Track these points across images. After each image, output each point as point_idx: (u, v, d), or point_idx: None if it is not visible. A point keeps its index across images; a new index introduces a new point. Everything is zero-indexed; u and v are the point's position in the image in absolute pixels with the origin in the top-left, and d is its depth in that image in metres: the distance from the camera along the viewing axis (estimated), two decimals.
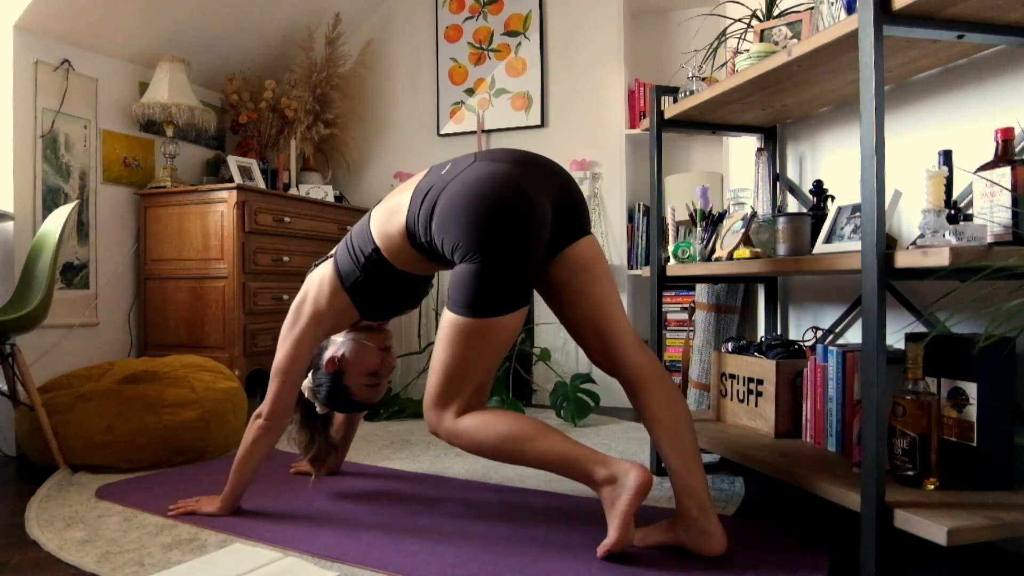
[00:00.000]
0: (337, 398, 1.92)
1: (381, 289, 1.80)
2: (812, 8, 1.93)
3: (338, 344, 1.92)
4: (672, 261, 2.29)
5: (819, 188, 2.01)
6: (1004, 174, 1.38)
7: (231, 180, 3.27)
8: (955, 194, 1.67)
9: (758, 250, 1.94)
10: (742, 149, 2.64)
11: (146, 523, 1.80)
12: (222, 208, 3.08)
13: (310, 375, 1.92)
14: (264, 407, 1.83)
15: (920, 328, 1.83)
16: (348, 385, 1.90)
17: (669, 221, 2.39)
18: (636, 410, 1.70)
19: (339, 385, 1.90)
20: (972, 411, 1.46)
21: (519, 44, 3.79)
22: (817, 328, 2.17)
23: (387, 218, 1.74)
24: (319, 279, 1.83)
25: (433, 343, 3.57)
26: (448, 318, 1.59)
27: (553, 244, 1.67)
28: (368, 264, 1.76)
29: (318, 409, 1.95)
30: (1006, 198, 1.36)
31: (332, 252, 1.86)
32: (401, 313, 1.98)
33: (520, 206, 1.56)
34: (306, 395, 1.93)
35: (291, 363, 1.80)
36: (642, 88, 3.57)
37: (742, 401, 2.11)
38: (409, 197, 1.69)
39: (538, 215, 1.59)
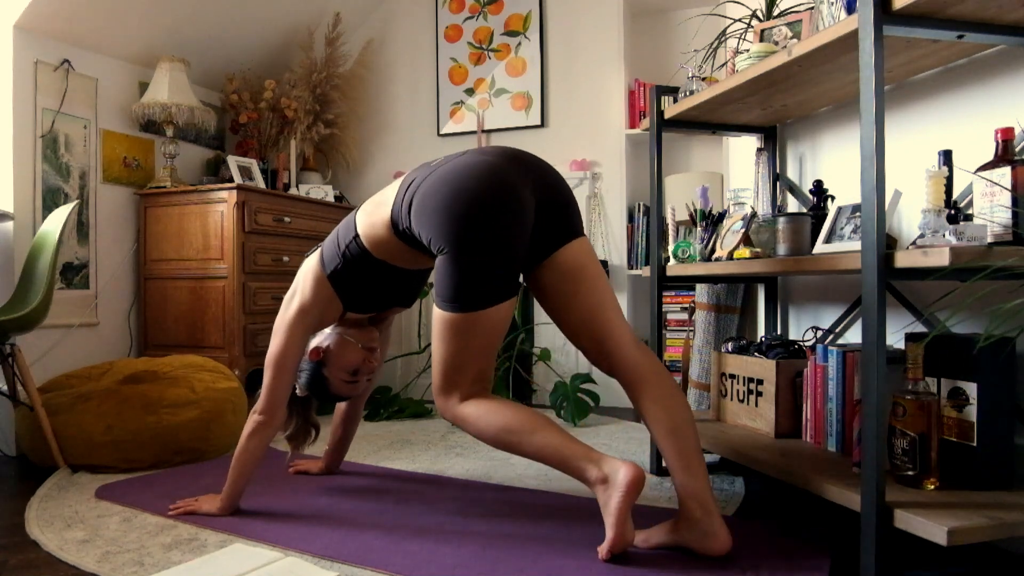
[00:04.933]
0: (315, 386, 1.95)
1: (362, 279, 1.83)
2: (812, 8, 1.93)
3: (325, 335, 1.95)
4: (672, 261, 2.29)
5: (819, 188, 2.01)
6: (1004, 174, 1.38)
7: (231, 180, 3.27)
8: (955, 194, 1.67)
9: (758, 250, 1.94)
10: (742, 149, 2.64)
11: (146, 523, 1.80)
12: (222, 208, 3.08)
13: None
14: (259, 400, 1.85)
15: (920, 328, 1.83)
16: (327, 376, 1.93)
17: (669, 221, 2.39)
18: (636, 410, 1.69)
19: (319, 375, 1.93)
20: (972, 411, 1.46)
21: (519, 44, 3.79)
22: (817, 328, 2.17)
23: (374, 209, 1.78)
24: (306, 270, 1.88)
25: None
26: (436, 313, 1.61)
27: (543, 246, 1.67)
28: (348, 253, 1.79)
29: (298, 391, 1.97)
30: (1006, 198, 1.36)
31: (322, 242, 1.90)
32: (389, 308, 1.99)
33: (496, 198, 1.55)
34: None
35: (282, 354, 1.82)
36: (642, 88, 3.57)
37: (742, 401, 2.11)
38: (396, 190, 1.73)
39: (516, 208, 1.57)
